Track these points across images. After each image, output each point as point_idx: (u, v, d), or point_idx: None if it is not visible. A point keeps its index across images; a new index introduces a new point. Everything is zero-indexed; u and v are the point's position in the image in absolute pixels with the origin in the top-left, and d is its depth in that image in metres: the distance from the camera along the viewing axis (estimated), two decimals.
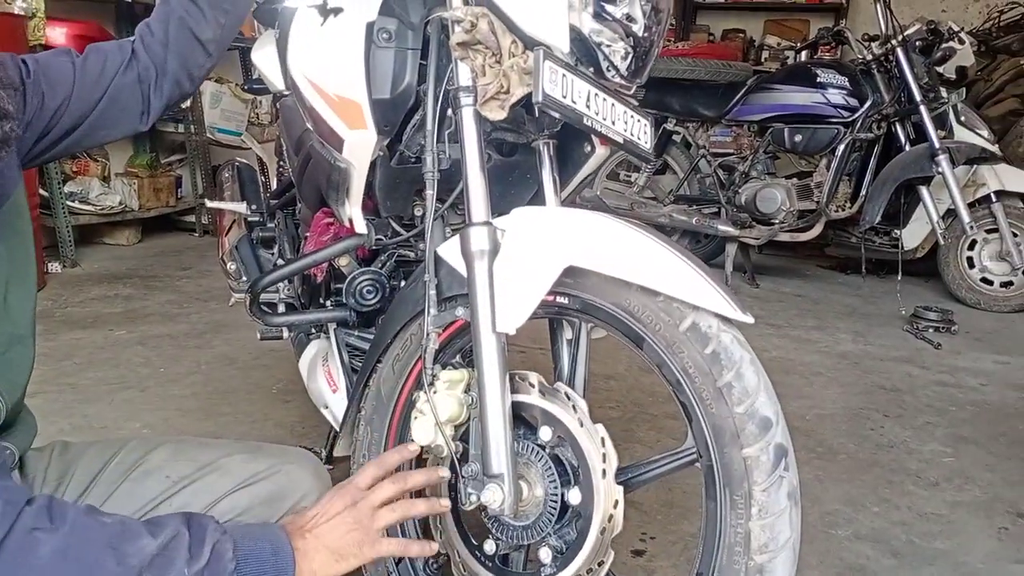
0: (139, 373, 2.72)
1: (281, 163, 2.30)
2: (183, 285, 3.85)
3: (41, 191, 3.94)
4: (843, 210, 4.07)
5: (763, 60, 6.16)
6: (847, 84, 3.83)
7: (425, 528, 1.35)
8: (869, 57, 3.90)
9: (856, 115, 3.84)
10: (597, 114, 1.19)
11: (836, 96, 3.83)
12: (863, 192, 4.01)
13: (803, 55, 5.17)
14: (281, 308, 1.86)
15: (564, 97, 1.12)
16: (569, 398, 1.18)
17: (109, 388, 2.57)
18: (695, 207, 4.27)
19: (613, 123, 1.22)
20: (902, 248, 4.06)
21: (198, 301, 3.58)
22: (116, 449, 1.15)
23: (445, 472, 1.14)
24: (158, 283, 3.86)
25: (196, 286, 3.83)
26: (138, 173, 4.71)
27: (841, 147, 3.89)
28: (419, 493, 1.17)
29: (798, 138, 3.96)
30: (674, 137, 4.39)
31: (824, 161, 4.00)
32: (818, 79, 3.88)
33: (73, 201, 4.30)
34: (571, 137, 1.31)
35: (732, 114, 4.10)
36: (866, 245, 4.19)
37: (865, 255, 4.21)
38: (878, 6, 3.89)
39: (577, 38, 1.17)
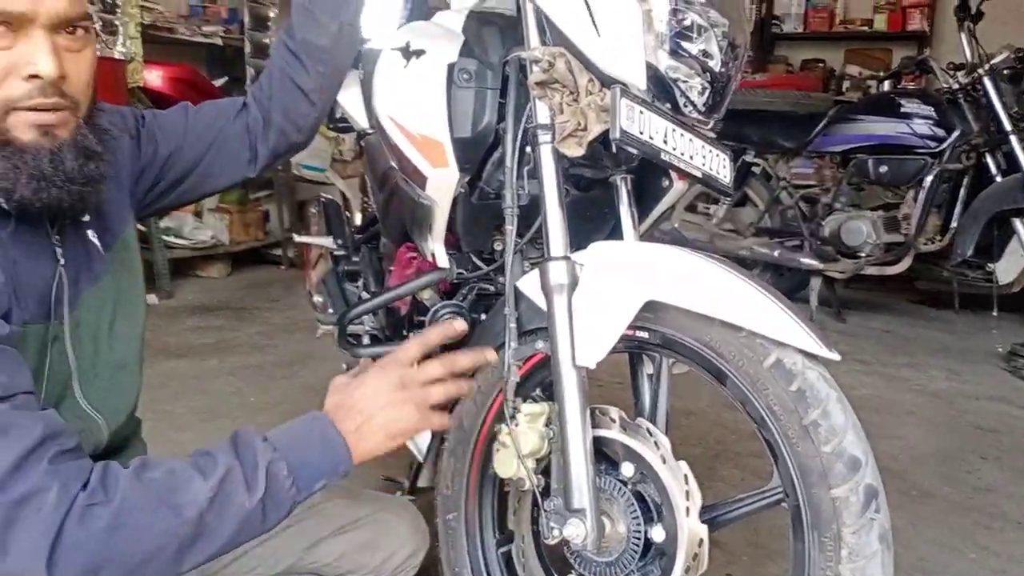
0: (229, 402, 2.81)
1: (365, 199, 2.36)
2: (271, 317, 3.97)
3: (139, 226, 4.13)
4: (933, 243, 3.93)
5: (844, 90, 6.03)
6: (933, 114, 3.72)
7: (508, 562, 1.36)
8: (955, 86, 3.78)
9: (944, 145, 3.72)
10: (675, 149, 1.19)
11: (922, 126, 3.73)
12: (953, 224, 3.87)
13: (886, 84, 5.04)
14: (366, 340, 1.90)
15: (641, 133, 1.13)
16: (651, 434, 1.18)
17: (201, 417, 2.67)
18: (777, 240, 4.19)
19: (691, 158, 1.22)
20: (996, 283, 3.90)
21: (285, 332, 3.69)
22: None
23: (491, 354, 1.17)
24: (247, 314, 4.00)
25: (283, 318, 3.94)
26: (229, 209, 4.90)
27: (929, 178, 3.77)
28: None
29: (883, 169, 3.86)
30: (753, 169, 4.33)
31: (911, 192, 3.89)
32: (902, 109, 3.78)
33: (169, 236, 4.50)
34: (649, 172, 1.32)
35: (813, 145, 4.03)
36: (958, 279, 4.03)
37: (958, 289, 4.05)
38: (963, 34, 3.78)
39: (654, 75, 1.18)
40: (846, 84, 6.13)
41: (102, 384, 1.05)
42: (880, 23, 6.13)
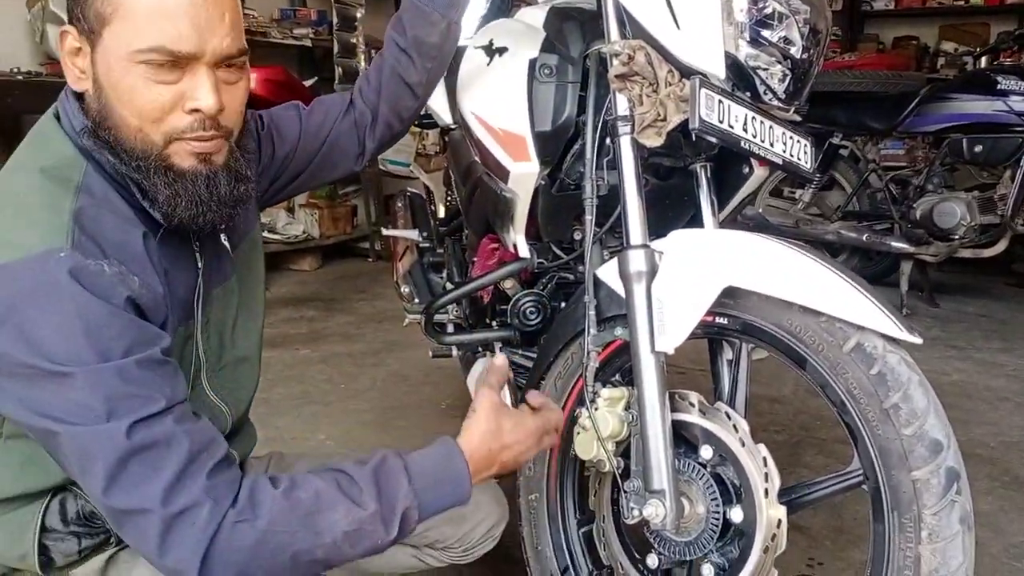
0: (322, 389, 2.93)
1: (449, 192, 2.43)
2: (359, 307, 4.10)
3: None
4: None
5: (939, 67, 5.80)
6: None
7: (590, 541, 1.40)
8: None
9: None
10: (755, 136, 1.20)
11: (1019, 103, 3.57)
12: None
13: (983, 61, 4.84)
14: (451, 328, 1.97)
15: (721, 122, 1.15)
16: (730, 418, 1.20)
17: (296, 403, 2.79)
18: (865, 223, 4.09)
19: (772, 144, 1.23)
20: None
21: (373, 322, 3.81)
22: (322, 462, 1.28)
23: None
24: (337, 305, 4.14)
25: (371, 308, 4.07)
26: (318, 204, 5.07)
27: None
28: None
29: (978, 149, 3.71)
30: (841, 151, 4.23)
31: (1008, 172, 3.73)
32: (999, 86, 3.63)
33: (263, 231, 4.67)
34: (729, 159, 1.33)
35: (904, 126, 3.91)
36: None
37: None
38: None
39: (733, 64, 1.19)
40: (940, 61, 5.89)
41: (227, 376, 1.12)
42: None
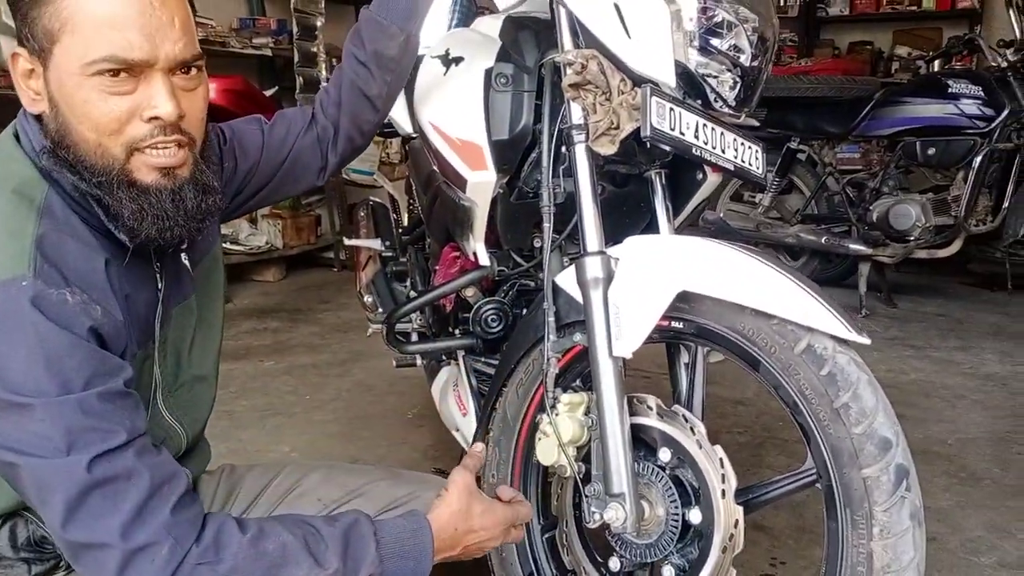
0: (286, 400, 2.91)
1: (411, 201, 2.43)
2: (324, 318, 4.08)
3: None
4: (984, 224, 3.86)
5: (893, 72, 5.92)
6: (982, 93, 3.65)
7: (553, 546, 1.41)
8: (1004, 64, 3.71)
9: (993, 125, 3.65)
10: (706, 143, 1.23)
11: (970, 106, 3.66)
12: (1005, 204, 3.80)
13: (935, 65, 4.95)
14: (414, 337, 1.97)
15: (672, 129, 1.18)
16: (687, 420, 1.22)
17: (260, 415, 2.77)
18: (824, 226, 4.16)
19: (723, 151, 1.26)
20: None
21: (338, 332, 3.79)
22: (275, 473, 1.27)
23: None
24: (302, 316, 4.11)
25: (336, 318, 4.05)
26: (282, 214, 5.03)
27: (978, 159, 3.70)
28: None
29: (931, 151, 3.80)
30: (799, 156, 4.30)
31: (961, 174, 3.82)
32: (950, 89, 3.72)
33: (225, 243, 4.64)
34: (683, 166, 1.35)
35: (859, 129, 3.98)
36: (1011, 260, 3.96)
37: (1011, 270, 3.98)
38: (1012, 12, 3.71)
39: (683, 72, 1.22)
40: (895, 66, 6.01)
41: (183, 396, 1.11)
42: (929, 2, 5.99)
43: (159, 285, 1.04)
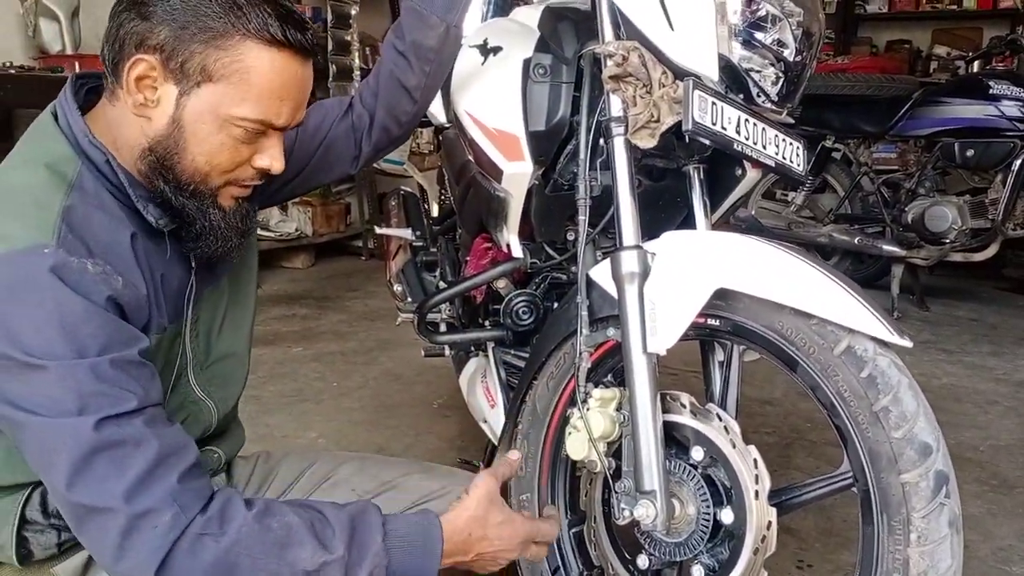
0: (314, 387, 2.93)
1: (442, 191, 2.43)
2: (352, 305, 4.09)
3: None
4: (1021, 228, 3.80)
5: (931, 71, 5.83)
6: (1023, 95, 3.59)
7: (580, 541, 1.40)
8: None
9: None
10: (747, 139, 1.21)
11: (1011, 108, 3.60)
12: None
13: (975, 65, 4.86)
14: (443, 327, 1.97)
15: (714, 124, 1.16)
16: (721, 419, 1.20)
17: (288, 400, 2.79)
18: (857, 227, 4.11)
19: (764, 147, 1.24)
20: None
21: (366, 320, 3.80)
22: (310, 462, 1.28)
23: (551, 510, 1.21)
24: (330, 304, 4.13)
25: (364, 306, 4.06)
26: (312, 202, 5.06)
27: (1018, 162, 3.63)
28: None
29: (970, 153, 3.73)
30: (833, 154, 4.25)
31: (999, 177, 3.75)
32: (991, 91, 3.65)
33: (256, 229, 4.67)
34: (722, 161, 1.33)
35: (897, 129, 3.93)
36: None
37: None
38: None
39: (726, 66, 1.20)
40: (933, 65, 5.92)
41: (214, 372, 1.13)
42: (970, 2, 5.89)
43: (192, 265, 1.07)
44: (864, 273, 4.23)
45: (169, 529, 0.86)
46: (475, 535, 1.03)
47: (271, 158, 1.01)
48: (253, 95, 0.95)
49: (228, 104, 0.94)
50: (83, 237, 0.91)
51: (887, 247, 3.90)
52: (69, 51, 3.83)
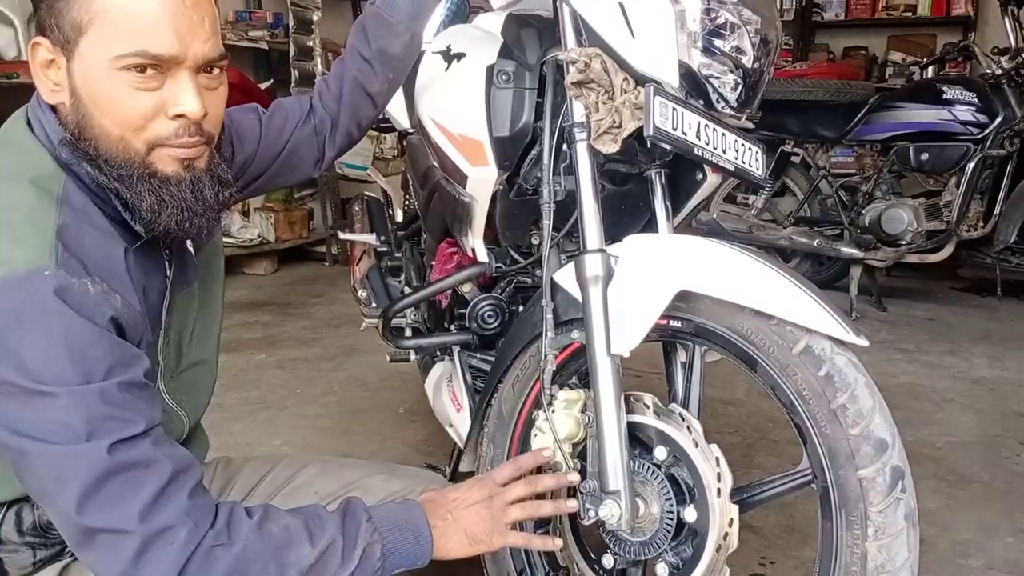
0: (278, 394, 2.91)
1: (407, 196, 2.43)
2: (316, 312, 4.07)
3: None
4: (975, 229, 3.90)
5: (887, 77, 5.94)
6: (976, 100, 3.68)
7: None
8: (999, 71, 3.74)
9: (986, 131, 3.68)
10: (707, 144, 1.23)
11: (964, 112, 3.69)
12: (997, 210, 3.84)
13: (929, 71, 4.98)
14: (408, 332, 1.97)
15: (675, 129, 1.18)
16: (683, 419, 1.22)
17: (251, 408, 2.76)
18: (816, 229, 4.18)
19: (724, 151, 1.26)
20: None
21: (330, 327, 3.78)
22: (271, 466, 1.28)
23: (574, 476, 1.19)
24: (293, 310, 4.10)
25: (328, 312, 4.04)
26: (274, 207, 5.02)
27: (971, 165, 3.73)
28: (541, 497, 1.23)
29: (925, 156, 3.82)
30: (792, 159, 4.32)
31: (953, 179, 3.85)
32: (944, 95, 3.75)
33: None
34: (683, 166, 1.35)
35: (854, 134, 4.00)
36: (1002, 265, 3.99)
37: (1001, 276, 4.01)
38: (1006, 19, 3.74)
39: (687, 72, 1.22)
40: (889, 71, 6.04)
41: (184, 380, 1.12)
42: (924, 8, 6.02)
43: (167, 272, 1.05)
44: (823, 275, 4.31)
45: (185, 545, 0.87)
46: (448, 497, 1.10)
47: (182, 101, 0.91)
48: (120, 28, 0.88)
49: (104, 50, 0.89)
50: (79, 256, 0.89)
51: (845, 249, 3.98)
52: (25, 57, 3.77)
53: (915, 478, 1.07)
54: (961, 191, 3.79)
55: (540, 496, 1.17)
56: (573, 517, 1.25)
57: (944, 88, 3.80)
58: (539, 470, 1.25)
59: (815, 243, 4.05)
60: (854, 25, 6.33)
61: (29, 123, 0.97)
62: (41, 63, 0.93)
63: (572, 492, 1.23)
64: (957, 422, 2.69)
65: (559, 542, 1.20)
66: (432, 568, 1.07)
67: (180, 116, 0.92)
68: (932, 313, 4.14)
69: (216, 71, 0.96)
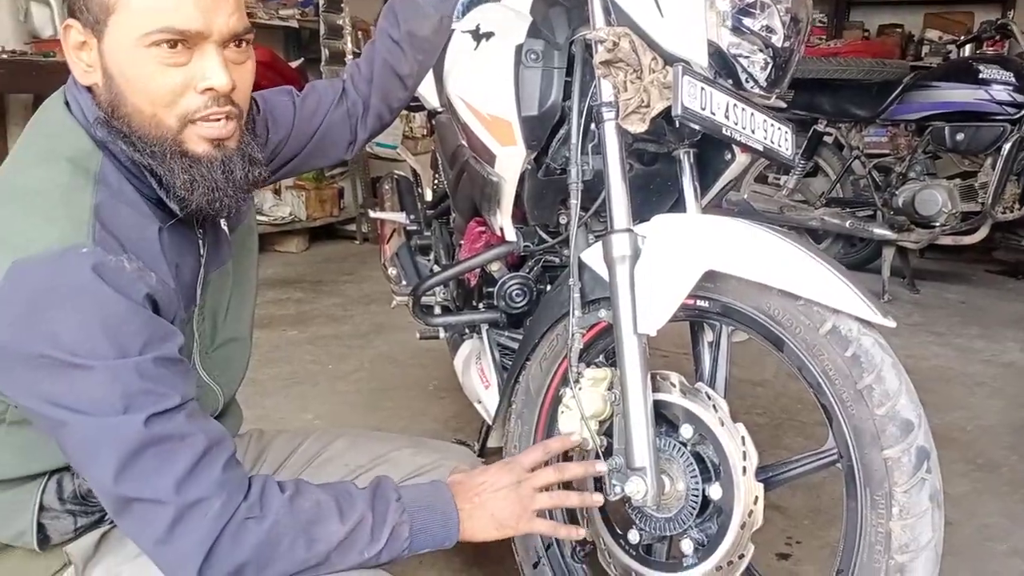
0: (309, 370, 2.95)
1: (436, 175, 2.44)
2: (346, 289, 4.11)
3: None
4: (1011, 212, 3.83)
5: (923, 55, 5.85)
6: (1013, 79, 3.61)
7: (573, 516, 1.43)
8: None
9: (1023, 112, 3.61)
10: (736, 123, 1.23)
11: (1001, 92, 3.62)
12: None
13: (966, 50, 4.88)
14: (438, 310, 1.99)
15: (703, 109, 1.18)
16: (710, 398, 1.23)
17: (284, 383, 2.81)
18: (848, 210, 4.14)
19: (753, 131, 1.26)
20: None
21: (360, 304, 3.82)
22: (302, 439, 1.31)
23: (602, 466, 1.20)
24: (324, 287, 4.14)
25: (358, 290, 4.08)
26: (305, 186, 5.06)
27: (1007, 145, 3.67)
28: (568, 484, 1.25)
29: (960, 137, 3.76)
30: (825, 138, 4.27)
31: (989, 160, 3.79)
32: (980, 75, 3.68)
33: None
34: (711, 145, 1.35)
35: (888, 113, 3.95)
36: None
37: None
38: None
39: (716, 52, 1.22)
40: (925, 50, 5.94)
41: (219, 356, 1.14)
42: None
43: (201, 251, 1.07)
44: (855, 256, 4.27)
45: (218, 516, 0.90)
46: (476, 480, 1.11)
47: (209, 75, 0.92)
48: (148, 7, 0.90)
49: (132, 28, 0.90)
50: (115, 234, 0.91)
51: (878, 230, 3.94)
52: (60, 36, 3.82)
53: (943, 461, 1.07)
54: (997, 172, 3.73)
55: (567, 485, 1.18)
56: (599, 492, 1.27)
57: (981, 67, 3.73)
58: (566, 455, 1.26)
59: (847, 224, 4.01)
60: (890, 2, 6.23)
61: (67, 103, 0.99)
62: (74, 45, 0.96)
63: (599, 479, 1.24)
64: (987, 406, 2.67)
65: (583, 531, 1.22)
66: (460, 545, 1.09)
67: (209, 89, 0.93)
68: (965, 296, 4.09)
69: (243, 45, 0.97)
